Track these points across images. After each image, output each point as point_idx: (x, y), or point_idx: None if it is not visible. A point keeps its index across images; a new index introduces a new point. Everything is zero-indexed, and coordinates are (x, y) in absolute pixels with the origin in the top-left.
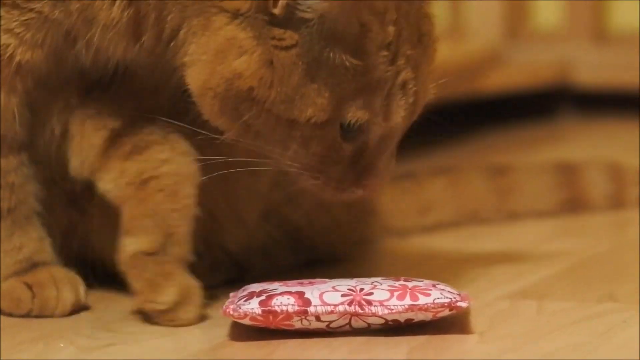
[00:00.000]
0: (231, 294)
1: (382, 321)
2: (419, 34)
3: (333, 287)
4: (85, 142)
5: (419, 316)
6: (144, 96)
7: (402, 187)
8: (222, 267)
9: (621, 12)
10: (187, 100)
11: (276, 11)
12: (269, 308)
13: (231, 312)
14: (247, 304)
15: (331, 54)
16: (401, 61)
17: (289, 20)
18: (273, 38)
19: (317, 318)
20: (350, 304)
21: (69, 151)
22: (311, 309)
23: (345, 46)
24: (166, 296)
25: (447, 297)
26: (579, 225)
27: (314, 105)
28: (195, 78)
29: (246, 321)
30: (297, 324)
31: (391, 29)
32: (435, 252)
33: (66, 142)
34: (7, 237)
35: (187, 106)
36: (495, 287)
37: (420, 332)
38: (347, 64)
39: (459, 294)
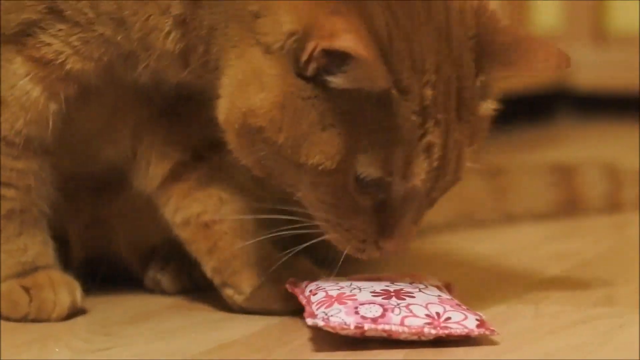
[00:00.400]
0: (291, 286)
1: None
2: (458, 101)
3: (411, 312)
4: (151, 168)
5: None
6: (209, 128)
7: None
8: None
9: (620, 13)
10: None
11: (306, 72)
12: (360, 324)
13: (321, 323)
14: (337, 317)
15: (353, 107)
16: (430, 124)
17: (315, 78)
18: (294, 86)
19: (391, 335)
20: (429, 326)
21: (134, 169)
22: (393, 328)
23: (373, 107)
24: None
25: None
26: (576, 228)
27: (322, 153)
28: (220, 111)
29: (335, 331)
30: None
31: (429, 90)
32: (431, 254)
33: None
34: (13, 237)
35: None
36: (492, 290)
37: None
38: (369, 117)
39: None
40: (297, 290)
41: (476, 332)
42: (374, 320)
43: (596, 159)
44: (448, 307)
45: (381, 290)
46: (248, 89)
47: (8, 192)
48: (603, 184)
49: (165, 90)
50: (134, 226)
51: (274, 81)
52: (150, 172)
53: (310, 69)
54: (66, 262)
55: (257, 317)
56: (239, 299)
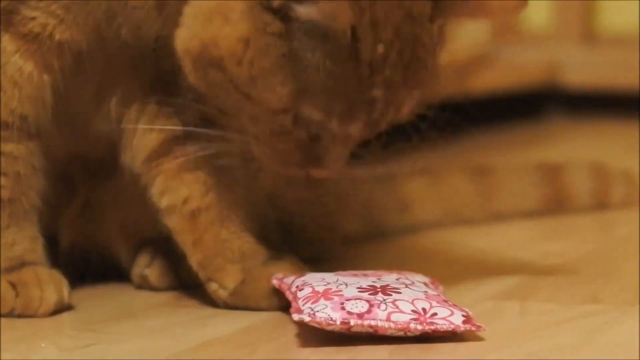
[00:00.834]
0: (278, 282)
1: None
2: (411, 59)
3: (398, 307)
4: (137, 140)
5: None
6: (202, 104)
7: (386, 186)
8: None
9: (610, 13)
10: None
11: (274, 3)
12: (346, 319)
13: (307, 319)
14: (323, 312)
15: (310, 53)
16: (377, 79)
17: (283, 12)
18: (261, 20)
19: (378, 331)
20: (415, 322)
21: (122, 140)
22: (379, 324)
23: (328, 50)
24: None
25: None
26: (563, 226)
27: (274, 92)
28: (179, 39)
29: (321, 326)
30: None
31: (381, 47)
32: (418, 252)
33: (116, 127)
34: (1, 230)
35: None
36: (478, 288)
37: None
38: (322, 66)
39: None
40: (283, 286)
41: (462, 328)
42: (360, 315)
43: (584, 158)
44: (434, 303)
45: (367, 286)
46: (213, 21)
47: None
48: (591, 182)
49: (148, 51)
50: (124, 216)
51: (240, 16)
52: (136, 144)
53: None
54: (54, 256)
55: (243, 313)
56: (223, 294)
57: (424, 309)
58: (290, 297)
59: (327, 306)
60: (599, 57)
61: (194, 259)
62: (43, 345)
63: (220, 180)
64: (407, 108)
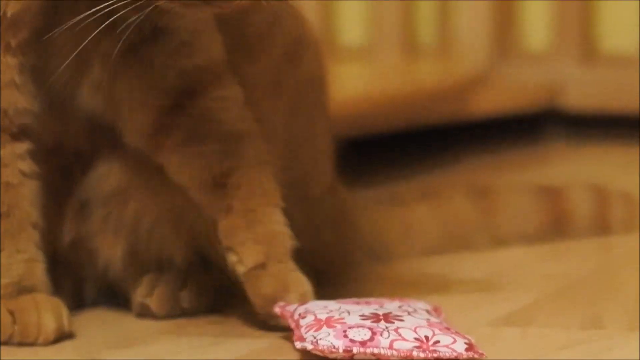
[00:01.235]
0: (280, 309)
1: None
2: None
3: (400, 335)
4: (134, 115)
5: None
6: (185, 74)
7: (387, 210)
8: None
9: (610, 33)
10: None
11: None
12: (349, 347)
13: (310, 347)
14: (326, 340)
15: None
16: None
17: None
18: None
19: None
20: (418, 350)
21: (118, 113)
22: (382, 352)
23: None
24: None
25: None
26: (563, 249)
27: None
28: None
29: (323, 354)
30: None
31: None
32: (418, 276)
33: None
34: None
35: None
36: (478, 313)
37: None
38: None
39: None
40: (286, 313)
41: (465, 355)
42: (363, 343)
43: (585, 180)
44: (437, 331)
45: (370, 313)
46: None
47: None
48: (591, 205)
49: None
50: (127, 240)
51: None
52: (134, 119)
53: None
54: (55, 281)
55: (245, 340)
56: (240, 269)
57: (426, 337)
58: (292, 324)
59: (329, 334)
60: (599, 77)
61: (221, 225)
62: None
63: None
64: None
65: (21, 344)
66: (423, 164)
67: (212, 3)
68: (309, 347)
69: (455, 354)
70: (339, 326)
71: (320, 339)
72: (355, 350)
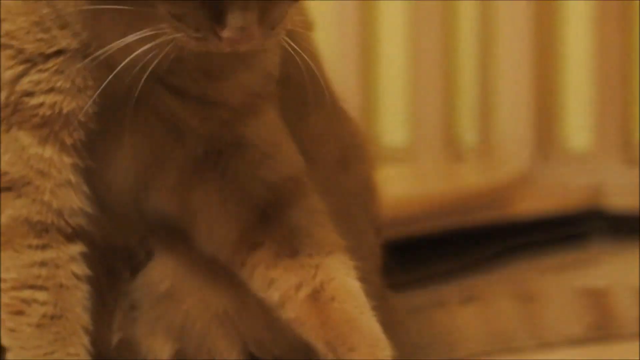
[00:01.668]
0: None
1: None
2: None
3: None
4: (214, 227)
5: None
6: (265, 185)
7: (431, 313)
8: None
9: None
10: None
11: None
12: None
13: None
14: None
15: None
16: None
17: None
18: None
19: None
20: None
21: (193, 222)
22: None
23: None
24: None
25: None
26: (608, 352)
27: None
28: None
29: None
30: None
31: None
32: None
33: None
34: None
35: None
36: None
37: None
38: None
39: None
40: None
41: None
42: None
43: (629, 282)
44: None
45: None
46: None
47: (39, 295)
48: (636, 307)
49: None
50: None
51: None
52: (214, 232)
53: None
54: None
55: None
56: None
57: None
58: None
59: None
60: None
61: (321, 343)
62: None
63: (319, 253)
64: None
65: None
66: (466, 265)
67: (222, 37)
68: None
69: None
70: None
71: None
72: None
